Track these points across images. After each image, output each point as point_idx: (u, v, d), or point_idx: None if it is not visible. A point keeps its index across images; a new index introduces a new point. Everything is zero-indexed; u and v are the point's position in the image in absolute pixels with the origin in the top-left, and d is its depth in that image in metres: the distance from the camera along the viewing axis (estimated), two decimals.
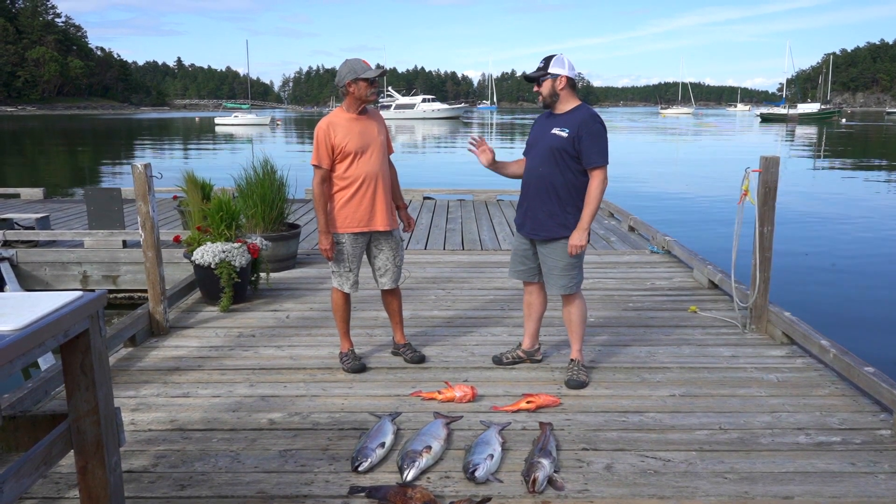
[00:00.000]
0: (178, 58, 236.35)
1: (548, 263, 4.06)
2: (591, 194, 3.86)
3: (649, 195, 17.53)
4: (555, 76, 3.89)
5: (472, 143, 4.11)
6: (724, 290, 6.11)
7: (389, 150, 4.38)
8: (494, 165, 4.13)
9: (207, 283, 5.70)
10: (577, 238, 3.90)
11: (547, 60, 3.93)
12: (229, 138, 48.93)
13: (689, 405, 3.82)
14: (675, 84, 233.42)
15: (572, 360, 4.22)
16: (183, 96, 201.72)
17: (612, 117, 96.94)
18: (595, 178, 3.85)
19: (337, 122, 4.13)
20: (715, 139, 46.31)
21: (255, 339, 4.95)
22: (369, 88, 4.05)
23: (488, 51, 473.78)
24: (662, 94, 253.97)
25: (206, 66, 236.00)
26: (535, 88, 3.95)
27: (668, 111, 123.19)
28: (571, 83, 3.93)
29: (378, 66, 4.07)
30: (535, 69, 3.95)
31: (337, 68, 4.16)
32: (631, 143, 41.10)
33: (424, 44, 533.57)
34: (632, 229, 9.40)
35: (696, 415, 3.70)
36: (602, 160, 3.84)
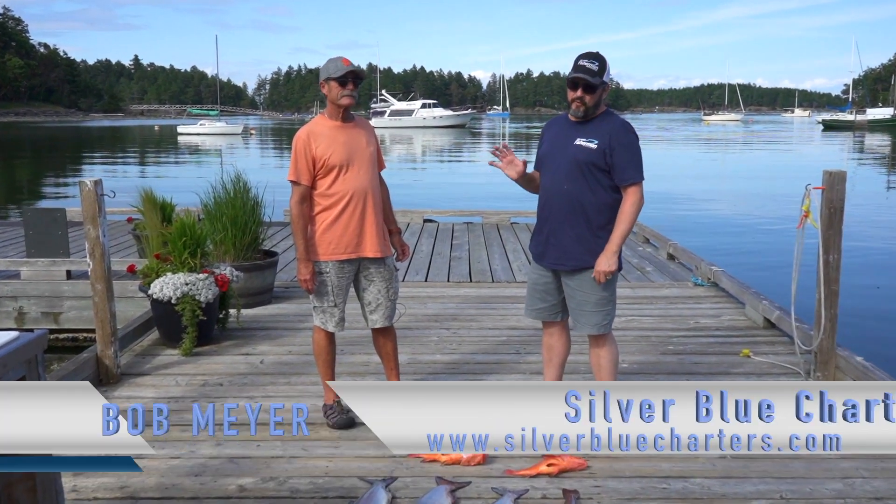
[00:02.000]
0: (136, 56, 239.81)
1: (577, 298, 4.05)
2: (625, 213, 3.88)
3: (691, 217, 17.55)
4: (605, 84, 3.88)
5: (496, 154, 4.08)
6: (782, 331, 6.09)
7: (380, 164, 4.41)
8: (524, 178, 4.11)
9: (167, 321, 5.70)
10: (604, 263, 3.91)
11: (603, 64, 3.85)
12: (195, 150, 49.28)
13: (743, 469, 3.78)
14: (721, 86, 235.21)
15: None
16: (140, 101, 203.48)
17: (645, 125, 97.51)
18: (630, 197, 3.88)
19: (318, 130, 4.17)
20: (769, 151, 46.51)
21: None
22: (340, 90, 4.10)
23: (500, 48, 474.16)
24: (705, 98, 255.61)
25: (167, 66, 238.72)
26: (579, 93, 3.85)
27: (713, 118, 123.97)
28: None
29: (352, 65, 4.09)
30: (586, 69, 3.81)
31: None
32: (669, 155, 41.31)
33: (425, 40, 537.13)
34: (671, 257, 9.40)
35: (751, 481, 3.66)
36: (638, 176, 3.88)
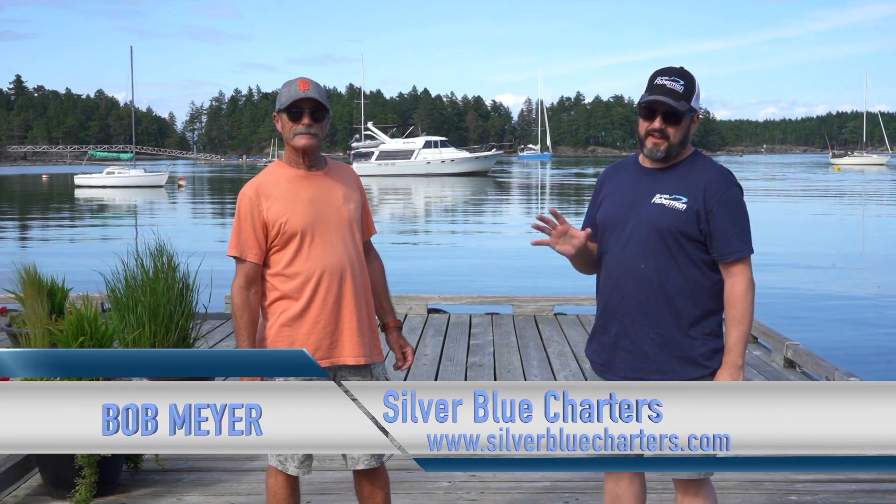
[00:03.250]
0: (17, 77, 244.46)
1: None
2: (738, 304, 3.86)
3: (818, 307, 17.51)
4: (694, 112, 3.93)
5: (541, 227, 3.99)
6: None
7: (368, 229, 4.44)
8: (583, 254, 4.05)
9: (54, 459, 5.68)
10: (729, 381, 3.85)
11: (690, 83, 3.90)
12: (99, 210, 49.79)
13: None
14: (856, 115, 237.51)
15: None
16: (23, 139, 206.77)
17: (747, 172, 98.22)
18: (739, 278, 3.87)
19: (272, 183, 4.23)
20: None
21: None
22: (292, 127, 4.16)
23: (537, 62, 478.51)
24: (834, 133, 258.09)
25: (62, 91, 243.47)
26: (657, 124, 3.88)
27: (845, 161, 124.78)
28: None
29: (311, 89, 4.11)
30: (667, 90, 3.85)
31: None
32: (782, 217, 41.41)
33: (429, 51, 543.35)
34: (790, 364, 9.36)
35: None
36: (747, 248, 3.89)
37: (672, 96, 3.84)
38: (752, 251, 3.92)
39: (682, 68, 3.96)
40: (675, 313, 3.92)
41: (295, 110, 4.13)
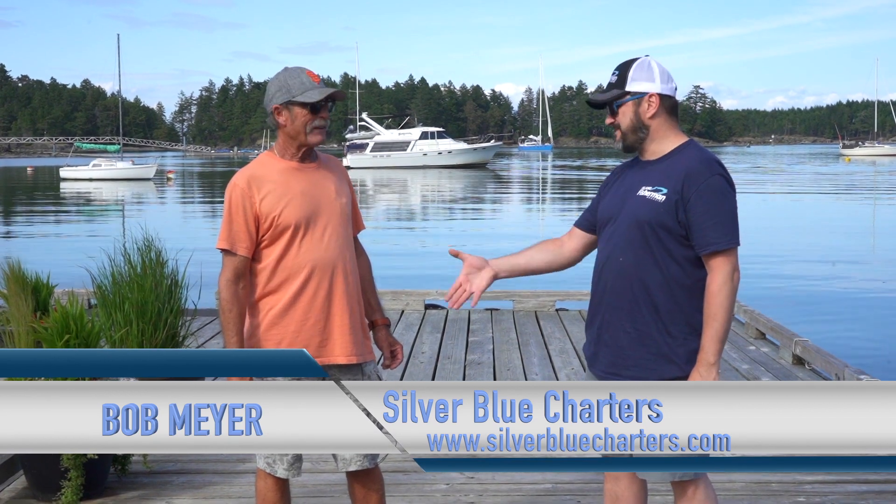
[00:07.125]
0: (1, 66, 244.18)
1: None
2: (714, 301, 3.80)
3: (830, 301, 17.50)
4: (639, 95, 3.93)
5: (453, 299, 4.16)
6: None
7: (357, 225, 4.44)
8: (507, 271, 4.26)
9: (38, 461, 5.68)
10: (699, 381, 3.85)
11: (623, 69, 3.98)
12: (85, 203, 49.71)
13: None
14: (867, 104, 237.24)
15: None
16: (6, 131, 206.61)
17: (751, 163, 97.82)
18: (716, 272, 3.81)
19: (264, 175, 4.21)
20: None
21: None
22: (311, 120, 4.13)
23: (538, 50, 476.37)
24: (844, 123, 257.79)
25: (47, 80, 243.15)
26: (610, 120, 4.00)
27: (856, 151, 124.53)
28: (669, 106, 3.98)
29: (326, 85, 4.12)
30: (605, 86, 4.01)
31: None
32: (791, 210, 41.36)
33: (426, 40, 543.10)
34: (799, 361, 9.36)
35: None
36: (726, 240, 3.81)
37: (601, 91, 4.02)
38: (733, 244, 3.83)
39: (626, 61, 4.02)
40: (653, 309, 3.89)
41: (317, 105, 4.10)
